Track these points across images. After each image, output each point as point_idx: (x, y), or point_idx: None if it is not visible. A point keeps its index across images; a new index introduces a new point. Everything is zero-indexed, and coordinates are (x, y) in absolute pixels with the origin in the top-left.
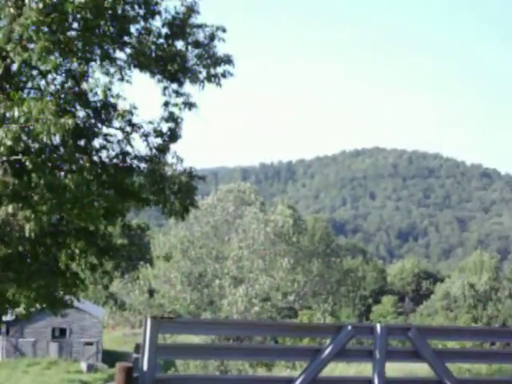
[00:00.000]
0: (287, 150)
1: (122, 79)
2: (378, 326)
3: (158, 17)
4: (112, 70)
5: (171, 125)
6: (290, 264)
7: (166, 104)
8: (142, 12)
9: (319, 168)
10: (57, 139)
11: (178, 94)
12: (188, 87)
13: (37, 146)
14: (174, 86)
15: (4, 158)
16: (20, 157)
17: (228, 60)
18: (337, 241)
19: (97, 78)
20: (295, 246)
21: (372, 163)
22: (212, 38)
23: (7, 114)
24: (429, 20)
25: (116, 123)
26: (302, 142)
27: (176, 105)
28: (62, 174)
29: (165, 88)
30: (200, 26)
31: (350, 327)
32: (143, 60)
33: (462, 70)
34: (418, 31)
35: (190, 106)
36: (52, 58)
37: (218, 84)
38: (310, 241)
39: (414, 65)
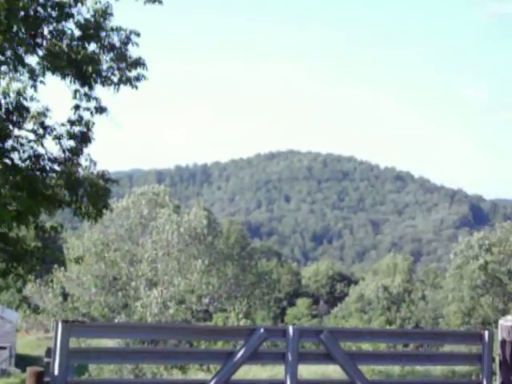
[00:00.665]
0: (202, 153)
1: (34, 81)
2: (291, 329)
3: (71, 19)
4: (24, 72)
5: (82, 128)
6: (204, 265)
7: (77, 107)
8: (54, 14)
9: (234, 171)
10: None
11: (88, 97)
12: (100, 90)
13: None
14: (86, 89)
15: None
16: None
17: (141, 63)
18: (252, 243)
19: (8, 81)
20: (210, 248)
21: (287, 166)
22: (126, 41)
23: None
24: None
25: (29, 125)
26: (218, 144)
27: (88, 109)
28: None
29: (76, 91)
30: (114, 29)
31: (262, 330)
32: (56, 63)
33: (377, 69)
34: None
35: (100, 110)
36: None
37: (134, 86)
38: (224, 243)
39: (324, 66)
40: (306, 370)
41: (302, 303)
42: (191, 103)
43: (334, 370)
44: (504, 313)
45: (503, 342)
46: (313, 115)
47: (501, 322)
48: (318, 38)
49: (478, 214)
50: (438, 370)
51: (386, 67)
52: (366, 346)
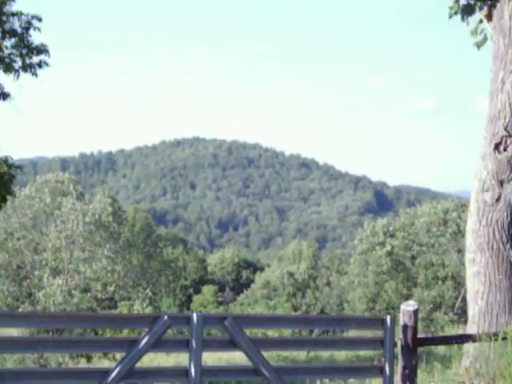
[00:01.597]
0: (107, 140)
1: None
2: (194, 316)
3: None
4: None
5: None
6: (110, 253)
7: None
8: None
9: (139, 158)
10: None
11: None
12: (3, 77)
13: None
14: None
15: None
16: None
17: (44, 50)
18: (157, 231)
19: None
20: (115, 236)
21: (192, 153)
22: (28, 26)
23: None
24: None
25: None
26: (122, 131)
27: None
28: None
29: None
30: (15, 15)
31: (166, 317)
32: None
33: (283, 61)
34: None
35: (3, 96)
36: None
37: (34, 74)
38: (130, 231)
39: (220, 54)
40: (211, 358)
41: (208, 290)
42: (96, 90)
43: (239, 357)
44: (408, 298)
45: (405, 327)
46: (218, 102)
47: (402, 306)
48: (221, 28)
49: (382, 200)
50: (342, 355)
51: (292, 56)
52: (273, 333)
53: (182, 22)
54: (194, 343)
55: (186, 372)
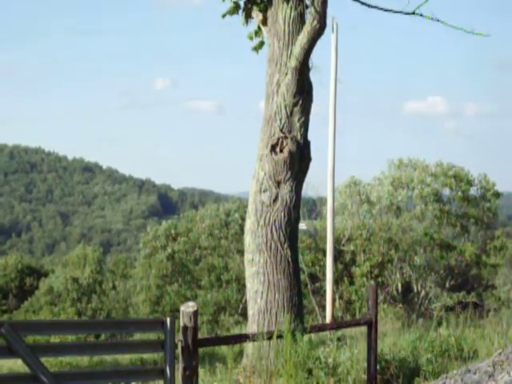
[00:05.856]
0: None
1: None
2: None
3: None
4: None
5: None
6: None
7: None
8: None
9: None
10: None
11: None
12: None
13: None
14: None
15: None
16: None
17: None
18: None
19: None
20: None
21: None
22: None
23: None
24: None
25: None
26: None
27: None
28: None
29: None
30: None
31: None
32: None
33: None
34: None
35: None
36: None
37: None
38: None
39: None
40: None
41: None
42: None
43: (21, 365)
44: (192, 300)
45: (185, 328)
46: None
47: (182, 308)
48: None
49: (166, 203)
50: (126, 358)
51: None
52: (56, 339)
53: None
54: None
55: None
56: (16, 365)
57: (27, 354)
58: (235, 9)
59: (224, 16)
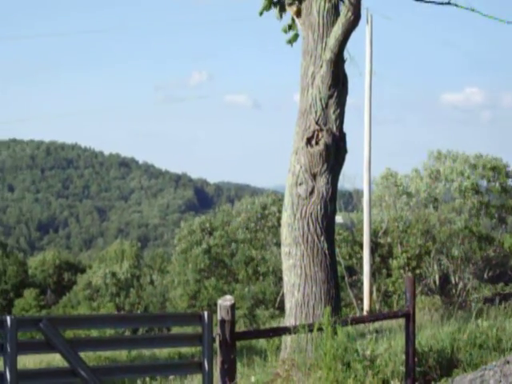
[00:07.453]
0: None
1: None
2: (8, 319)
3: None
4: None
5: None
6: None
7: None
8: None
9: None
10: None
11: None
12: None
13: None
14: None
15: None
16: None
17: None
18: None
19: None
20: None
21: (9, 155)
22: None
23: None
24: None
25: None
26: None
27: None
28: None
29: None
30: None
31: None
32: None
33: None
34: None
35: None
36: None
37: None
38: None
39: None
40: (32, 360)
41: (30, 294)
42: None
43: (60, 359)
44: (229, 294)
45: (222, 322)
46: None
47: (220, 301)
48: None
49: (202, 197)
50: (164, 352)
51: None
52: (96, 333)
53: None
54: (8, 347)
55: (1, 376)
56: (55, 359)
57: (66, 348)
58: (271, 3)
59: (261, 13)
